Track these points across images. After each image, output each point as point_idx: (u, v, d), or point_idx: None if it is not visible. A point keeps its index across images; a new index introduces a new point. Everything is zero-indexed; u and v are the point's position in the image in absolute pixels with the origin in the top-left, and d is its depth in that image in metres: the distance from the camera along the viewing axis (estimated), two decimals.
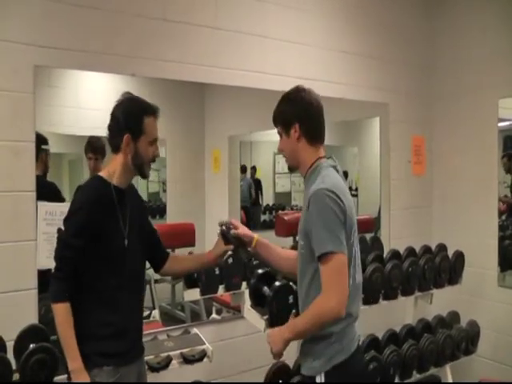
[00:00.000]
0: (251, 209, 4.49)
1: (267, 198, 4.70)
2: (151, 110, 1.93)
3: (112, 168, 1.95)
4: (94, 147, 3.29)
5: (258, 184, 4.61)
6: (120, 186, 1.95)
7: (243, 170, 4.45)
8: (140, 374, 2.04)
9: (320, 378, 1.80)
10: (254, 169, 4.45)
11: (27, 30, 2.42)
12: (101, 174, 1.96)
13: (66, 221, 1.89)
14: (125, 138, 1.88)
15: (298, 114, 1.86)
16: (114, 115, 1.93)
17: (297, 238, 1.97)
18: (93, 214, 1.85)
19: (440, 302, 3.56)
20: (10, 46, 2.37)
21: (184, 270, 2.32)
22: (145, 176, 1.98)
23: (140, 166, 1.94)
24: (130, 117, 1.90)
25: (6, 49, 2.36)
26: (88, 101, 3.57)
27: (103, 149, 3.20)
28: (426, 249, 3.50)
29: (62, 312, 1.80)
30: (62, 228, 1.92)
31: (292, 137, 1.86)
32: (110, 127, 1.94)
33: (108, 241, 1.89)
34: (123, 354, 1.90)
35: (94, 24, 2.61)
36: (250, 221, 4.38)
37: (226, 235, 2.09)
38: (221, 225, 2.11)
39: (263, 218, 4.58)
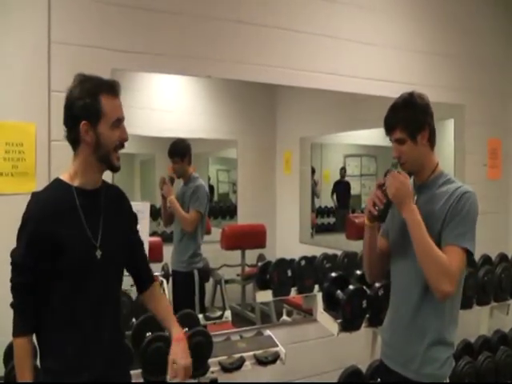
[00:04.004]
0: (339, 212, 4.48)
1: None
2: (107, 86, 1.59)
3: (73, 167, 1.63)
4: (170, 150, 3.27)
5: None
6: (85, 186, 1.63)
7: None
8: None
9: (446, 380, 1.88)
10: (343, 170, 4.41)
11: (105, 35, 2.50)
12: (61, 176, 1.65)
13: (17, 238, 1.58)
14: (81, 126, 1.55)
15: (429, 119, 1.88)
16: (66, 105, 1.59)
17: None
18: (44, 225, 1.55)
19: None
20: (90, 50, 2.46)
21: (152, 312, 1.91)
22: (114, 168, 1.64)
23: (105, 157, 1.60)
24: (84, 100, 1.56)
25: (86, 53, 2.45)
26: (159, 102, 3.66)
27: (181, 151, 3.22)
28: (503, 257, 3.35)
29: (16, 349, 1.59)
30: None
31: (419, 142, 1.85)
32: (65, 121, 1.61)
33: (70, 255, 1.56)
34: None
35: (169, 28, 2.66)
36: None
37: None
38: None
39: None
